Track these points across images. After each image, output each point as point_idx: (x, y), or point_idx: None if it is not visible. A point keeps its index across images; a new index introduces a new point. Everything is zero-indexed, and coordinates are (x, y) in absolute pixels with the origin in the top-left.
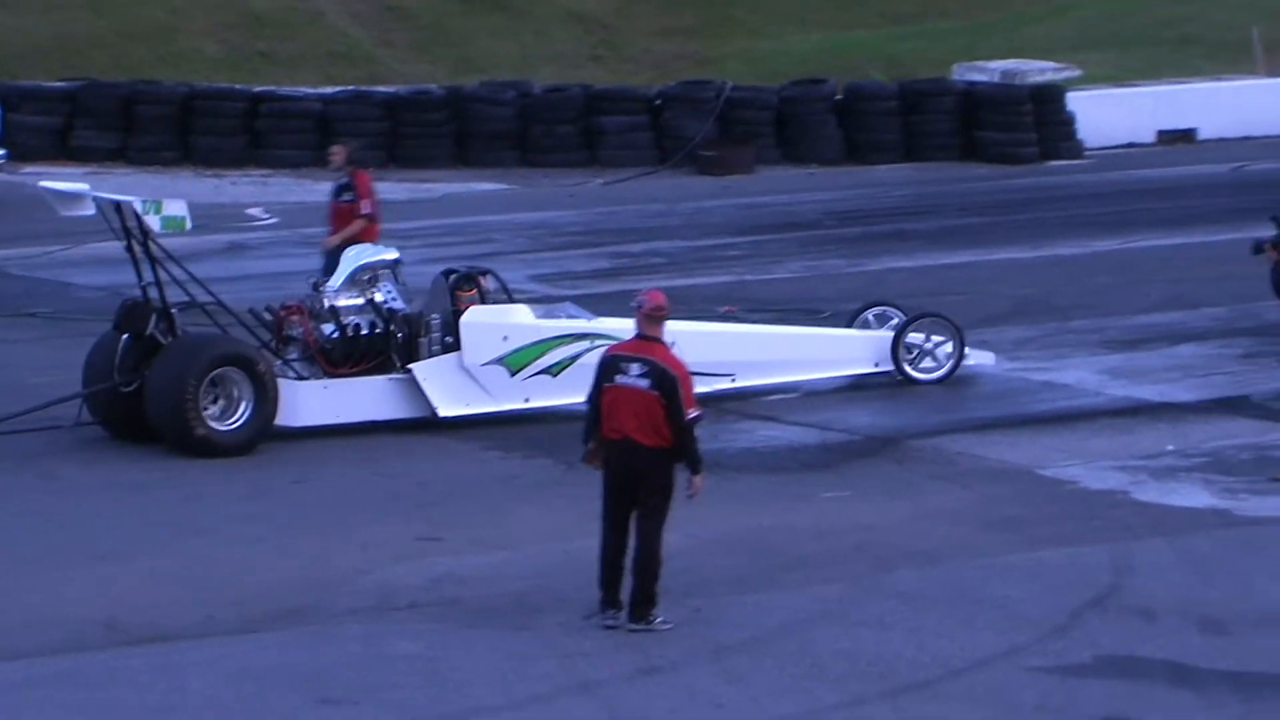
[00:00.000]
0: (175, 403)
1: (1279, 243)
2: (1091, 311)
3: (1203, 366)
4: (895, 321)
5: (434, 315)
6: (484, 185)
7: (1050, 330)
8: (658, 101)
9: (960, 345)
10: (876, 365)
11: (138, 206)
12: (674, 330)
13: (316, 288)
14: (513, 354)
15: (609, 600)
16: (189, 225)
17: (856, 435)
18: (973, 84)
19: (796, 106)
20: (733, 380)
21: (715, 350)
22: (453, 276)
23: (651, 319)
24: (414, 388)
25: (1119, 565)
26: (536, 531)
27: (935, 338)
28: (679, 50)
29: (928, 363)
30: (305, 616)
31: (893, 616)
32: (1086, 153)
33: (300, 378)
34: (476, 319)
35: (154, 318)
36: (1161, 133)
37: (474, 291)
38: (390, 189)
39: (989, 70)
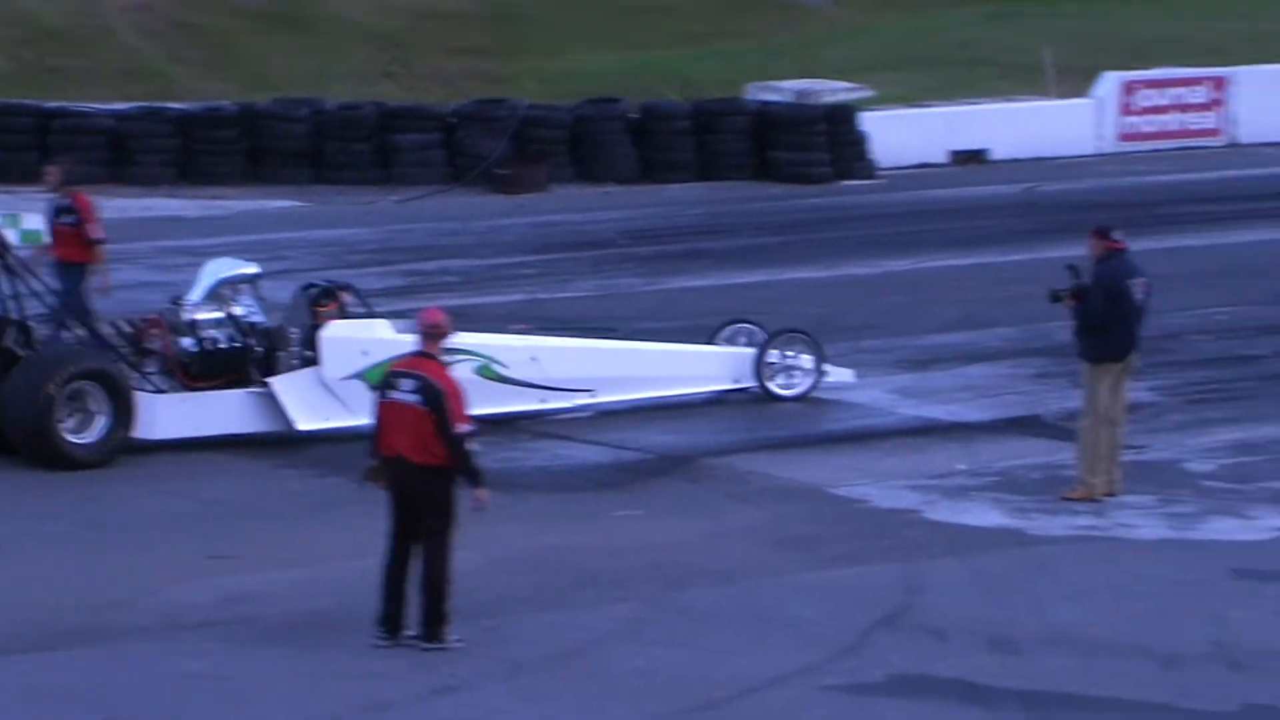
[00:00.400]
0: (32, 416)
1: (1076, 291)
2: (883, 331)
3: (994, 386)
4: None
5: (293, 329)
6: (278, 203)
7: (843, 350)
8: (452, 120)
9: (820, 361)
10: (737, 382)
11: None
12: (536, 345)
13: (175, 301)
14: (372, 368)
15: (385, 618)
16: (47, 239)
17: (650, 454)
18: (766, 104)
19: (591, 125)
20: (592, 395)
21: (576, 365)
22: (313, 291)
23: (428, 336)
24: (273, 402)
25: (911, 584)
26: (331, 549)
27: (796, 354)
28: (472, 69)
29: (788, 379)
30: (94, 636)
31: (687, 635)
32: (879, 173)
33: (159, 391)
34: (336, 334)
35: (12, 330)
36: (954, 153)
37: (334, 306)
38: (183, 206)
39: (783, 90)
